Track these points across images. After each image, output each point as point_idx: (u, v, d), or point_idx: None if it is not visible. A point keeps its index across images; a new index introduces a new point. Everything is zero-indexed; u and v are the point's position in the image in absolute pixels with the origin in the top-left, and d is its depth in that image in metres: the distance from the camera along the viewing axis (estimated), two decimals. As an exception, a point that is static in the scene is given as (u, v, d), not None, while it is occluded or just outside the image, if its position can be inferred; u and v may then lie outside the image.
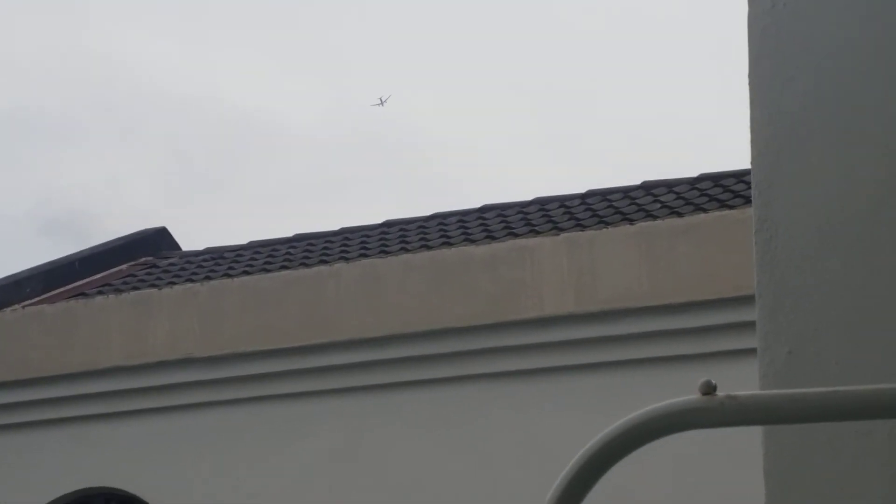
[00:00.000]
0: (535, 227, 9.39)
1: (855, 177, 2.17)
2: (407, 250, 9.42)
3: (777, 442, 1.92)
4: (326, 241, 10.87)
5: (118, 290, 10.14)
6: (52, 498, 9.35)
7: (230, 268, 10.45)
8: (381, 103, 16.63)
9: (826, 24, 2.21)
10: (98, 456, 9.20)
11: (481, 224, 10.17)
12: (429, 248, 9.37)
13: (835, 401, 1.32)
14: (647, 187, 10.04)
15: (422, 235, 10.22)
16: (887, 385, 1.29)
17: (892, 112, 2.19)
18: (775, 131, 2.24)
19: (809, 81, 2.24)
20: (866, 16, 2.21)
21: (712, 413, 1.44)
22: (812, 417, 1.37)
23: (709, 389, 1.44)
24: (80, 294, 10.41)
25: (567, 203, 10.24)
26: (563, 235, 8.49)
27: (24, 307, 10.03)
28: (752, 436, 1.96)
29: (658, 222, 8.29)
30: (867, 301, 2.01)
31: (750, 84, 2.28)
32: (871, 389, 1.30)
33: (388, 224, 11.00)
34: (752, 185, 2.24)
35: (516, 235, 9.05)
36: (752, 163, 2.24)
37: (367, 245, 10.30)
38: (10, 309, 9.96)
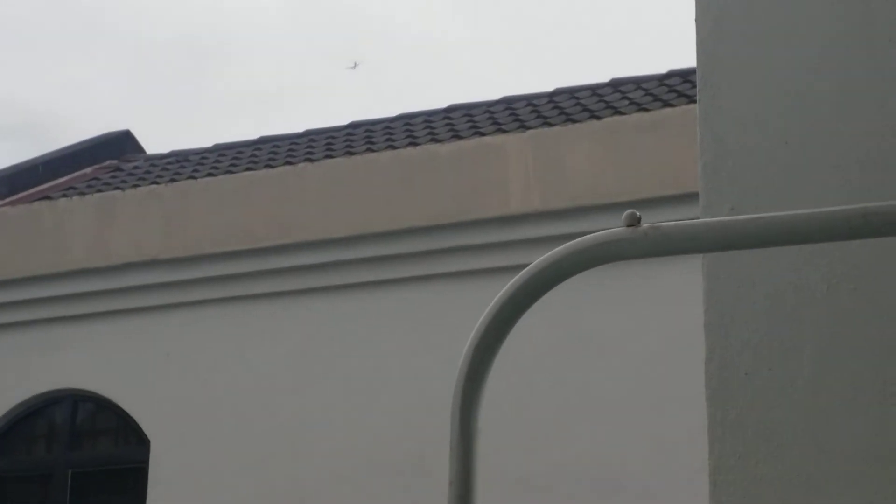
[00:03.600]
0: (502, 126, 9.30)
1: (798, 38, 2.13)
2: (373, 151, 9.33)
3: (717, 298, 1.90)
4: (292, 144, 10.76)
5: (82, 194, 10.05)
6: (20, 400, 9.34)
7: (195, 170, 10.34)
8: (355, 66, 16.92)
9: None
10: (64, 358, 9.17)
11: (448, 124, 10.08)
12: (394, 148, 9.28)
13: (759, 226, 1.28)
14: (615, 84, 9.96)
15: (388, 136, 10.12)
16: (809, 210, 1.25)
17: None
18: (720, -12, 2.18)
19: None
20: None
21: (636, 244, 1.40)
22: (736, 245, 1.33)
23: (633, 221, 1.39)
24: (44, 197, 10.31)
25: (534, 102, 10.15)
26: (529, 132, 8.43)
27: (-14, 211, 9.92)
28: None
29: (625, 118, 8.23)
30: (806, 159, 1.98)
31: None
32: (795, 214, 1.26)
33: (354, 125, 10.89)
34: (696, 42, 2.18)
35: (483, 134, 8.98)
36: (695, 20, 2.19)
37: (332, 146, 10.20)
38: (-28, 213, 9.86)
